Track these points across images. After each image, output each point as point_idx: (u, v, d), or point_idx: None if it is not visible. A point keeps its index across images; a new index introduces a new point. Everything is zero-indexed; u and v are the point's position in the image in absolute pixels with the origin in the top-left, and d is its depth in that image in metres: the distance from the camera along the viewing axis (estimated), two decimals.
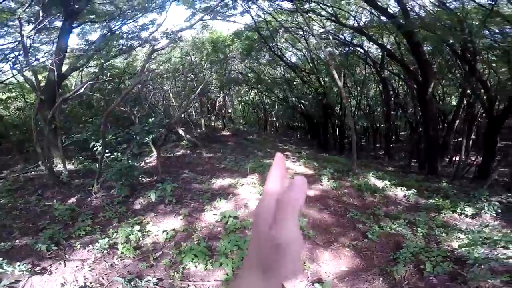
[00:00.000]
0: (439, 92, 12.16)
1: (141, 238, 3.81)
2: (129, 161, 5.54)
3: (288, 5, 10.25)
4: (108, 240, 3.63)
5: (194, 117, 16.70)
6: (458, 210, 4.82)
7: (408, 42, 8.49)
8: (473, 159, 9.39)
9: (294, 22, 11.78)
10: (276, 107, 21.59)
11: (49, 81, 6.26)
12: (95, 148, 5.65)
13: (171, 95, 14.15)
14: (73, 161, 7.20)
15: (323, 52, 8.17)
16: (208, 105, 17.54)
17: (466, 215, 4.73)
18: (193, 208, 4.72)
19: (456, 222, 4.58)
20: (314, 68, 13.71)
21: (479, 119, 10.73)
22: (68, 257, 3.43)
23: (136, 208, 4.74)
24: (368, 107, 16.96)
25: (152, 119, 8.11)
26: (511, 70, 8.74)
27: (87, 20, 7.52)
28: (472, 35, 6.80)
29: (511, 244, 3.51)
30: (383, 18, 8.75)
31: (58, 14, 6.51)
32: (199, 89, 7.54)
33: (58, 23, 7.07)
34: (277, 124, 24.21)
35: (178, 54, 12.72)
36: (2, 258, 3.04)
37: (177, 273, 3.17)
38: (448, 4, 7.55)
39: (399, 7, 7.83)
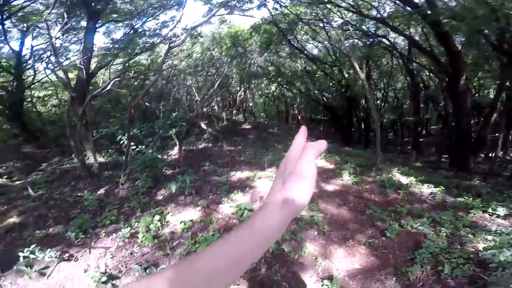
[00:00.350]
0: (475, 84, 11.27)
1: (160, 228, 3.98)
2: (153, 153, 5.78)
3: None
4: (130, 229, 3.85)
5: (216, 111, 16.98)
6: (490, 210, 4.43)
7: (436, 33, 7.99)
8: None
9: (313, 14, 11.45)
10: (298, 99, 21.23)
11: (79, 79, 6.70)
12: (122, 141, 5.93)
13: (194, 90, 14.50)
14: (103, 154, 7.63)
15: (343, 43, 7.85)
16: (230, 99, 17.73)
17: (498, 216, 4.33)
18: (211, 200, 4.84)
19: (486, 222, 4.21)
20: (336, 60, 13.27)
21: None
22: (94, 245, 3.68)
23: (158, 199, 4.94)
24: (396, 100, 16.10)
25: (175, 113, 8.41)
26: None
27: (110, 19, 7.88)
28: (509, 24, 6.19)
29: None
30: (408, 8, 8.24)
31: (82, 15, 6.86)
32: (217, 83, 7.61)
33: (84, 23, 7.49)
34: (299, 117, 23.85)
35: (199, 49, 12.94)
36: (35, 245, 3.30)
37: None
38: None
39: None
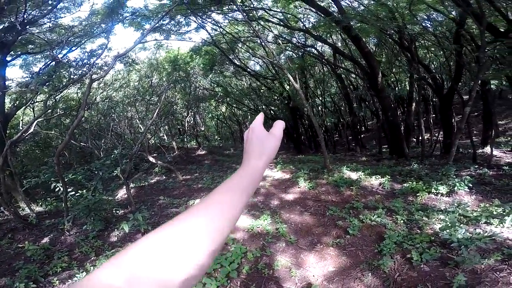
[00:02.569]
0: (393, 79, 12.91)
1: None
2: (97, 196, 5.37)
3: (242, 16, 10.46)
4: (86, 274, 3.41)
5: (165, 140, 16.21)
6: (433, 190, 4.86)
7: (349, 37, 8.83)
8: (437, 136, 9.93)
9: (251, 31, 12.03)
10: (249, 117, 21.65)
11: None
12: (57, 189, 5.54)
13: (137, 121, 13.67)
14: (40, 203, 7.00)
15: (275, 57, 8.34)
16: (179, 126, 17.16)
17: (442, 194, 4.77)
18: None
19: (434, 203, 4.60)
20: (276, 74, 14.00)
21: (434, 99, 11.47)
22: None
23: (113, 241, 4.59)
24: (333, 104, 17.53)
25: (117, 150, 7.81)
26: (445, 52, 9.58)
27: (25, 51, 7.08)
28: (405, 23, 7.30)
29: (492, 218, 3.54)
30: (323, 16, 9.06)
31: None
32: (156, 111, 7.30)
33: None
34: None
35: (135, 77, 12.36)
36: None
37: None
38: None
39: (334, 4, 8.22)
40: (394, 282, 2.83)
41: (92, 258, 4.02)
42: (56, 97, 8.20)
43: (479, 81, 7.52)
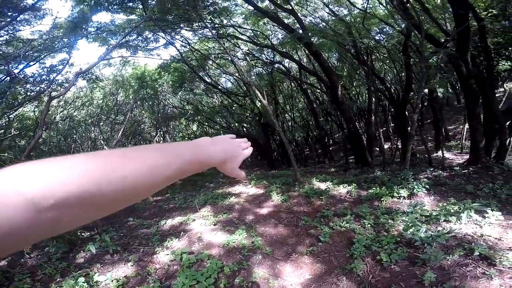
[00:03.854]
0: (354, 92, 13.84)
1: None
2: None
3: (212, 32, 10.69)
4: None
5: None
6: (395, 194, 5.21)
7: (310, 53, 9.34)
8: (397, 144, 10.77)
9: (221, 48, 12.23)
10: (222, 135, 21.49)
11: None
12: None
13: (102, 142, 12.94)
14: None
15: (243, 73, 8.61)
16: None
17: (404, 197, 5.13)
18: (143, 253, 4.34)
19: (398, 206, 4.92)
20: (247, 91, 14.30)
21: (392, 109, 12.51)
22: None
23: (79, 262, 4.27)
24: (302, 118, 18.26)
25: None
26: (395, 64, 10.65)
27: None
28: (360, 37, 8.04)
29: (450, 216, 3.85)
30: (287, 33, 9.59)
31: None
32: (121, 130, 7.05)
33: None
34: None
35: (99, 95, 11.81)
36: None
37: None
38: (338, 13, 8.80)
39: (295, 21, 8.79)
40: (369, 284, 2.95)
41: (58, 279, 3.72)
42: (10, 116, 7.54)
43: (426, 90, 8.40)
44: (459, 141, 10.80)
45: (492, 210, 3.77)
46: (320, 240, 3.97)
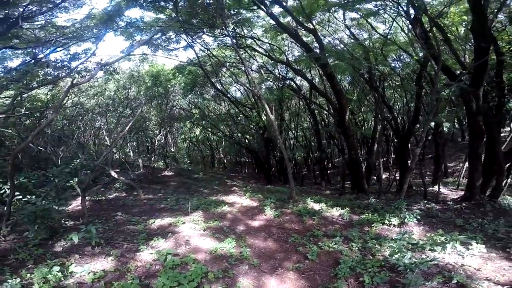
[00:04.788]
0: (360, 118, 13.82)
1: (62, 278, 3.31)
2: (45, 203, 4.90)
3: (231, 41, 10.87)
4: (21, 281, 3.12)
5: (132, 157, 15.50)
6: (386, 222, 5.31)
7: (324, 74, 9.39)
8: (394, 175, 10.76)
9: (237, 57, 12.33)
10: (223, 143, 21.65)
11: None
12: (2, 191, 5.07)
13: (104, 132, 13.04)
14: None
15: (255, 86, 8.77)
16: (148, 144, 16.62)
17: (394, 225, 5.23)
18: (126, 249, 4.27)
19: (387, 232, 5.01)
20: (255, 103, 14.48)
21: (394, 140, 12.57)
22: None
23: (57, 251, 4.19)
24: (305, 138, 18.34)
25: (78, 160, 7.37)
26: (407, 94, 10.62)
27: (8, 45, 6.70)
28: (376, 63, 8.12)
29: (435, 246, 3.97)
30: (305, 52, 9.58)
31: None
32: (129, 125, 7.14)
33: None
34: (225, 161, 24.06)
35: (113, 87, 12.01)
36: None
37: None
38: (359, 36, 8.86)
39: (314, 40, 8.87)
40: None
41: (29, 266, 3.63)
42: (23, 95, 7.68)
43: (432, 123, 8.31)
44: (456, 178, 10.83)
45: (477, 243, 3.89)
46: (307, 257, 3.99)
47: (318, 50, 8.70)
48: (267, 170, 16.41)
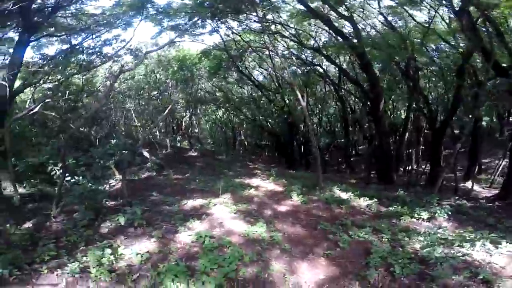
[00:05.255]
0: (390, 106, 13.35)
1: (114, 262, 3.58)
2: (91, 184, 5.26)
3: (256, 25, 10.67)
4: (79, 264, 3.39)
5: (158, 137, 16.14)
6: (416, 215, 5.31)
7: (360, 62, 9.18)
8: (424, 167, 10.44)
9: (261, 42, 12.30)
10: (245, 126, 21.84)
11: None
12: (53, 172, 5.33)
13: (133, 114, 13.60)
14: (24, 185, 6.63)
15: (287, 72, 8.64)
16: (174, 125, 17.16)
17: (423, 219, 5.22)
18: (166, 230, 4.55)
19: (415, 226, 5.03)
20: (279, 87, 14.33)
21: (425, 130, 12.09)
22: (36, 282, 3.15)
23: (104, 232, 4.48)
24: (329, 124, 18.02)
25: (115, 141, 7.79)
26: (446, 85, 10.05)
27: (45, 33, 7.09)
28: (414, 52, 7.70)
29: (465, 242, 3.98)
30: (339, 39, 9.34)
31: (14, 26, 6.07)
32: (167, 109, 7.41)
33: (12, 34, 6.62)
34: (246, 143, 24.38)
35: (142, 71, 12.41)
36: None
37: None
38: (393, 23, 8.42)
39: (352, 29, 8.54)
40: None
41: (82, 248, 3.88)
42: (61, 81, 8.18)
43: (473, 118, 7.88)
44: (490, 175, 10.34)
45: (507, 242, 3.84)
46: (338, 245, 4.13)
47: (354, 40, 8.32)
48: (289, 155, 16.46)
